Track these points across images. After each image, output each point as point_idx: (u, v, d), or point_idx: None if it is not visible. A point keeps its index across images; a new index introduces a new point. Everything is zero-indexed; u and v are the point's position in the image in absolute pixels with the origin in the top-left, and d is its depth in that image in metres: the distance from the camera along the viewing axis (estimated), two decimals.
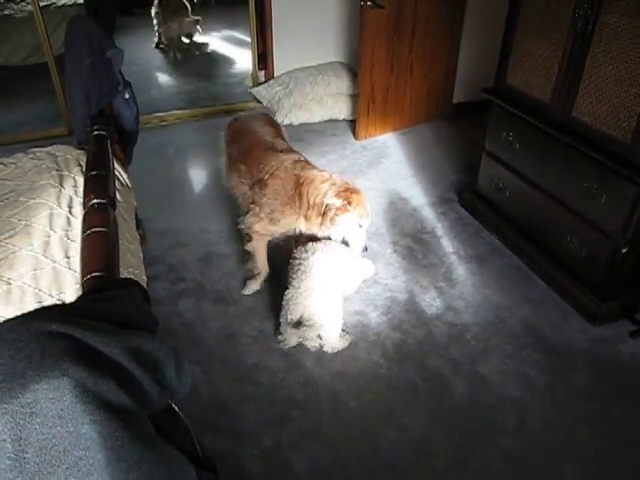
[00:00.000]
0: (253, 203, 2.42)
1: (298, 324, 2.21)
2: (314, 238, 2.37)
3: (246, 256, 2.62)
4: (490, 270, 2.77)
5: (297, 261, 2.26)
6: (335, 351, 2.28)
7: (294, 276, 2.24)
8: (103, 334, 0.72)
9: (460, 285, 2.67)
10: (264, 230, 2.41)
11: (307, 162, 2.44)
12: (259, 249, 2.50)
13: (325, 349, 2.28)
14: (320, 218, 2.28)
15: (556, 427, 2.01)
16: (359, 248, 2.37)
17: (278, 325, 2.32)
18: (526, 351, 2.31)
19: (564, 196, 2.49)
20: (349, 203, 2.24)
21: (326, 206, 2.25)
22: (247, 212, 2.48)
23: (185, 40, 5.84)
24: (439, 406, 2.09)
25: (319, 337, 2.27)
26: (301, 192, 2.29)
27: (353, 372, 2.22)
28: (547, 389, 2.15)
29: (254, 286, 2.59)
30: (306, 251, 2.26)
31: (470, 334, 2.39)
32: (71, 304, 0.83)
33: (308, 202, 2.28)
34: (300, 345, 2.31)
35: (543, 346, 2.34)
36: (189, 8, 5.66)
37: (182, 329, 2.39)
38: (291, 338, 2.25)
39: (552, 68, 2.42)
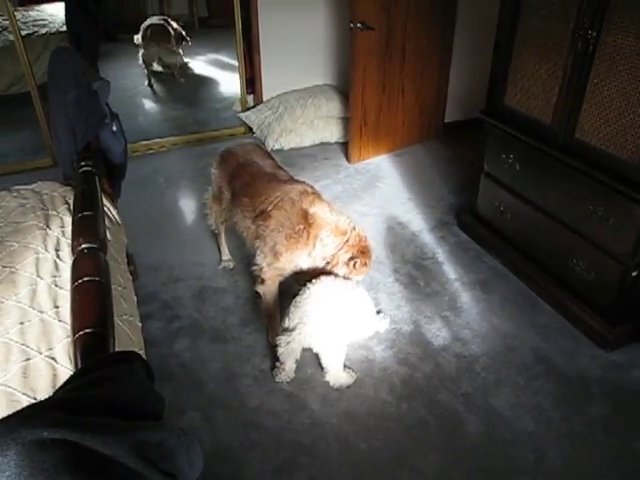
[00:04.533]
0: (257, 238, 2.30)
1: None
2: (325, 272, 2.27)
3: (257, 299, 2.49)
4: (495, 296, 2.68)
5: (299, 291, 2.16)
6: (339, 386, 2.18)
7: (293, 304, 2.14)
8: (104, 433, 0.61)
9: (465, 313, 2.58)
10: (272, 269, 2.27)
11: (315, 194, 2.31)
12: (269, 293, 2.34)
13: (327, 379, 2.18)
14: (324, 262, 2.25)
15: (576, 463, 1.92)
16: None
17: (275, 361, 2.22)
18: (539, 382, 2.23)
19: (569, 218, 2.42)
20: (364, 265, 2.26)
21: (338, 261, 2.23)
22: (252, 247, 2.38)
23: (168, 67, 5.75)
24: (453, 444, 1.99)
25: (322, 369, 2.18)
26: (309, 232, 2.19)
27: (361, 412, 2.11)
28: (563, 422, 2.06)
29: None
30: (310, 282, 2.16)
31: (480, 366, 2.30)
32: (65, 396, 0.72)
33: (314, 244, 2.21)
34: (303, 383, 2.20)
35: (555, 375, 2.25)
36: (172, 36, 5.57)
37: (179, 371, 2.26)
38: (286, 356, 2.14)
39: (552, 89, 2.37)
